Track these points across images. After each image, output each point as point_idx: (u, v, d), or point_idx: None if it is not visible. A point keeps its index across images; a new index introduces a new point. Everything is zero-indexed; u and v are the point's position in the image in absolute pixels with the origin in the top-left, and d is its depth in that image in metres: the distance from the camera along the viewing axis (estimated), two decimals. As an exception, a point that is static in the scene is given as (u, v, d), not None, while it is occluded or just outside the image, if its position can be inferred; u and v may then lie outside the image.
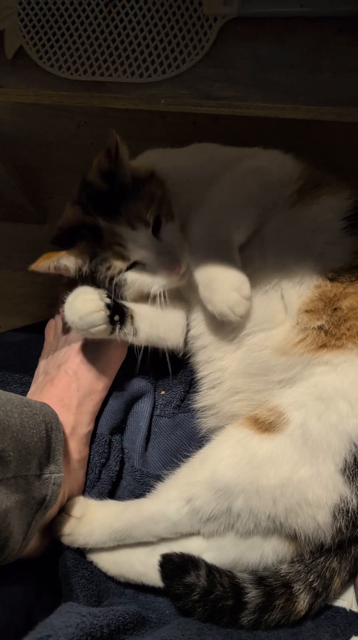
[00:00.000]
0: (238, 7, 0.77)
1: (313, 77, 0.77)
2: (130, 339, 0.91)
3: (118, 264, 0.87)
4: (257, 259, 0.87)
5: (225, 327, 0.88)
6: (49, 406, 0.84)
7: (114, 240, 0.86)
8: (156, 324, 0.94)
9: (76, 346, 0.95)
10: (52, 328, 1.05)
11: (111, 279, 0.88)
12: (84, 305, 0.86)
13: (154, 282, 0.87)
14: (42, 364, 1.01)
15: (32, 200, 1.29)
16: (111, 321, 0.88)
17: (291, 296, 0.85)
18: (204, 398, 0.94)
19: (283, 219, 0.87)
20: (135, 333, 0.91)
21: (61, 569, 0.86)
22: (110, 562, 0.87)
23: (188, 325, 0.96)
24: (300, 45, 0.77)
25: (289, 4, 0.76)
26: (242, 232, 0.85)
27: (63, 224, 0.92)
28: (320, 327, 0.82)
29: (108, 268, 0.87)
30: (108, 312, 0.87)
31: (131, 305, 0.92)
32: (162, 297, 0.88)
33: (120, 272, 0.87)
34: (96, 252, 0.87)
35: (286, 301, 0.85)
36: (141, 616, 0.80)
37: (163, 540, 0.85)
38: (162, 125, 1.31)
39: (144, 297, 0.91)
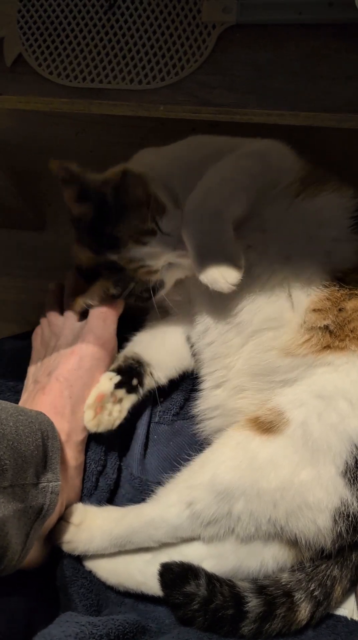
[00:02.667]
0: (236, 15, 0.78)
1: (312, 84, 0.77)
2: (155, 386, 0.97)
3: (151, 279, 0.89)
4: (259, 246, 0.87)
5: (231, 320, 0.88)
6: (44, 414, 0.83)
7: (135, 266, 0.87)
8: (170, 359, 0.97)
9: (65, 352, 0.94)
10: (39, 335, 1.04)
11: (148, 289, 0.90)
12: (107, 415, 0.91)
13: (187, 266, 0.88)
14: (32, 371, 1.00)
15: (31, 207, 1.29)
16: (132, 389, 0.92)
17: (299, 294, 0.84)
18: (208, 399, 0.94)
19: (285, 207, 0.87)
20: (158, 381, 0.96)
21: (59, 579, 0.86)
22: (109, 572, 0.87)
23: (194, 322, 0.96)
24: (299, 52, 0.77)
25: (287, 11, 0.77)
26: (236, 207, 0.84)
27: (80, 265, 0.94)
28: (326, 327, 0.82)
29: (144, 289, 0.90)
30: (124, 389, 0.92)
31: (143, 353, 0.96)
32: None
33: (156, 282, 0.90)
34: (123, 280, 0.90)
35: (294, 299, 0.85)
36: (141, 625, 0.79)
37: (163, 546, 0.85)
38: (161, 132, 1.32)
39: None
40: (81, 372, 0.93)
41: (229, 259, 0.79)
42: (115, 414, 0.91)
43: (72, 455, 0.90)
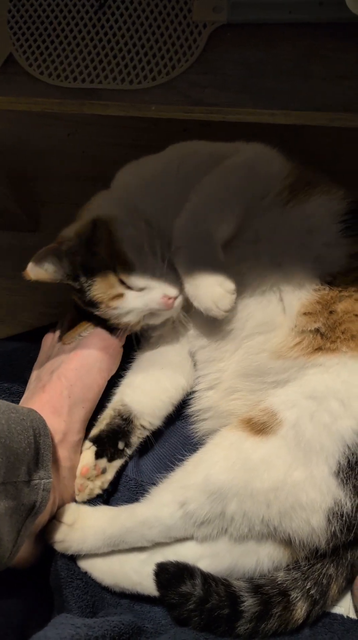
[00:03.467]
0: (227, 14, 0.78)
1: (303, 83, 0.77)
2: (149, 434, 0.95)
3: (135, 327, 0.91)
4: (250, 257, 0.87)
5: (223, 327, 0.88)
6: (36, 412, 0.83)
7: (115, 321, 0.90)
8: (165, 397, 0.96)
9: (70, 353, 0.95)
10: (50, 339, 1.04)
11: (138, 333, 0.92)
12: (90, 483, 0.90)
13: (165, 314, 0.89)
14: (36, 370, 1.01)
15: (24, 208, 1.29)
16: (116, 453, 0.91)
17: (290, 299, 0.84)
18: (201, 400, 0.94)
19: (276, 216, 0.87)
20: (151, 427, 0.95)
21: (54, 580, 0.85)
22: (104, 572, 0.87)
23: (187, 324, 0.96)
24: (290, 52, 0.77)
25: (278, 10, 0.77)
26: (225, 228, 0.85)
27: (76, 303, 0.95)
28: (317, 330, 0.82)
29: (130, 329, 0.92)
30: (105, 458, 0.90)
31: (133, 403, 0.94)
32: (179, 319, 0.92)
33: (142, 327, 0.91)
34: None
35: (286, 303, 0.85)
36: (137, 626, 0.79)
37: (157, 546, 0.85)
38: (153, 132, 1.32)
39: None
40: (82, 372, 0.93)
41: (220, 285, 0.80)
42: (96, 490, 0.90)
43: (67, 455, 0.90)
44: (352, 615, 0.84)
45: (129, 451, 0.93)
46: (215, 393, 0.91)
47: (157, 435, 0.98)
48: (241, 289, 0.85)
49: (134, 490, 0.94)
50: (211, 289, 0.80)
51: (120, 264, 0.86)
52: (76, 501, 0.91)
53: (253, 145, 0.93)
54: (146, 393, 0.95)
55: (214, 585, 0.79)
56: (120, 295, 0.86)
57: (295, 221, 0.86)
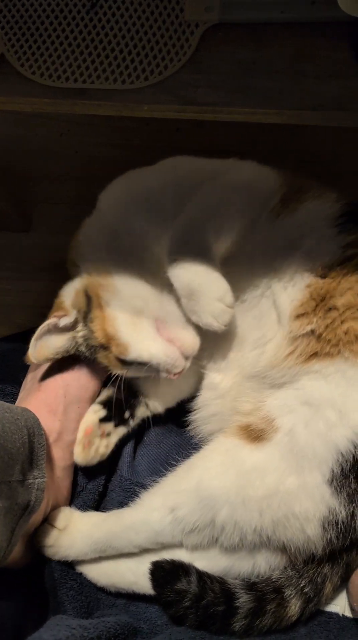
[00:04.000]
0: (219, 14, 0.78)
1: (296, 82, 0.77)
2: (150, 415, 0.94)
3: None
4: (245, 271, 0.85)
5: (224, 338, 0.87)
6: (30, 411, 0.83)
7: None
8: (169, 390, 0.95)
9: None
10: None
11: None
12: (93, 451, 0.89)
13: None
14: (32, 371, 1.01)
15: (17, 208, 1.29)
16: (121, 421, 0.91)
17: (283, 302, 0.82)
18: (208, 408, 0.92)
19: (269, 229, 0.85)
20: (154, 410, 0.94)
21: (48, 582, 0.85)
22: (99, 572, 0.86)
23: None
24: (282, 51, 0.78)
25: (270, 10, 0.77)
26: (222, 243, 0.83)
27: None
28: (312, 332, 0.80)
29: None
30: (112, 422, 0.90)
31: (140, 383, 0.93)
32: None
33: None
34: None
35: (279, 308, 0.83)
36: (133, 627, 0.78)
37: (147, 550, 0.84)
38: (146, 132, 1.32)
39: None
40: (79, 372, 0.93)
41: (220, 300, 0.78)
42: (102, 449, 0.89)
43: (62, 455, 0.89)
44: (348, 613, 0.84)
45: (132, 423, 0.92)
46: (223, 400, 0.90)
47: (153, 434, 0.98)
48: (238, 308, 0.84)
49: (128, 490, 0.94)
50: (211, 305, 0.78)
51: (114, 345, 0.83)
52: (70, 504, 0.90)
53: (250, 165, 0.91)
54: (153, 381, 0.93)
55: (209, 582, 0.79)
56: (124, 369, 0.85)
57: (287, 230, 0.84)
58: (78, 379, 0.93)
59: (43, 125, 1.36)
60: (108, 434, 0.90)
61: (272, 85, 0.77)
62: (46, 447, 0.82)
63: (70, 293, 0.88)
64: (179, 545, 0.82)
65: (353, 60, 0.77)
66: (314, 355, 0.80)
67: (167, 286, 0.82)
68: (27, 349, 1.06)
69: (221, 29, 0.79)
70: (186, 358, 0.82)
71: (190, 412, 0.94)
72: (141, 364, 0.83)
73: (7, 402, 0.98)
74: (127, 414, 0.91)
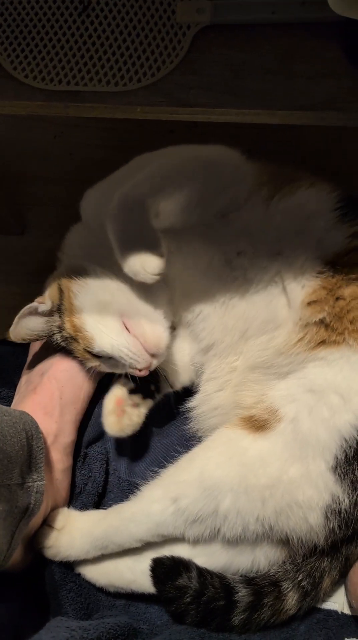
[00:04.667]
0: (211, 15, 0.78)
1: (287, 82, 0.78)
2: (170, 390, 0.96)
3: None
4: (249, 249, 0.85)
5: (232, 325, 0.87)
6: (28, 414, 0.83)
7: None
8: (182, 369, 0.96)
9: (59, 355, 0.95)
10: (38, 343, 1.04)
11: None
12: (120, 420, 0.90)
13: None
14: (26, 374, 1.00)
15: (11, 211, 1.29)
16: (148, 394, 0.92)
17: (294, 287, 0.82)
18: (211, 401, 0.92)
19: (264, 209, 0.85)
20: (173, 386, 0.95)
21: (48, 584, 0.85)
22: (98, 572, 0.86)
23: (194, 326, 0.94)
24: (273, 52, 0.78)
25: (261, 11, 0.78)
26: (165, 206, 0.81)
27: None
28: (321, 321, 0.80)
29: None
30: (140, 394, 0.91)
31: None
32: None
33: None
34: None
35: (289, 294, 0.83)
36: (132, 628, 0.79)
37: (148, 546, 0.84)
38: (140, 134, 1.32)
39: None
40: (73, 373, 0.93)
41: (148, 247, 0.75)
42: (135, 418, 0.90)
43: (60, 457, 0.90)
44: (347, 611, 0.85)
45: (157, 396, 0.93)
46: (224, 392, 0.91)
47: (151, 435, 0.98)
48: (244, 287, 0.84)
49: (127, 491, 0.94)
50: (138, 252, 0.75)
51: (81, 338, 0.86)
52: (69, 505, 0.91)
53: (215, 146, 0.90)
54: (167, 360, 0.93)
55: (209, 578, 0.79)
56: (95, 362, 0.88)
57: (287, 210, 0.85)
58: (73, 379, 0.93)
59: (37, 127, 1.36)
60: (137, 405, 0.91)
61: (264, 86, 0.78)
62: (44, 449, 0.82)
63: (50, 283, 0.92)
64: (180, 537, 0.81)
65: (343, 59, 0.77)
66: (322, 343, 0.80)
67: (136, 284, 0.83)
68: (22, 352, 1.06)
69: (212, 31, 0.79)
70: (153, 355, 0.83)
71: (191, 407, 0.95)
72: (109, 358, 0.85)
73: (2, 404, 0.99)
74: (153, 387, 0.92)
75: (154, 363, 0.84)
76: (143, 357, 0.82)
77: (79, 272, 0.88)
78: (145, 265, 0.75)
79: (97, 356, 0.86)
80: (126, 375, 0.89)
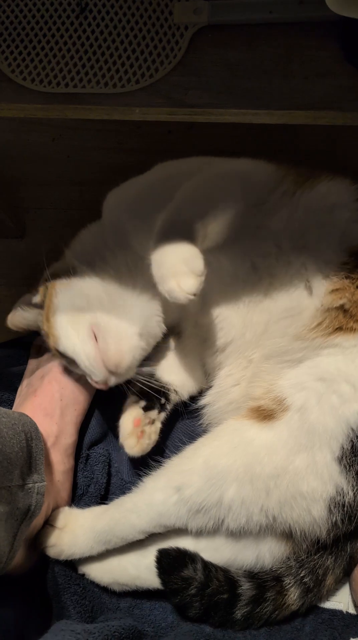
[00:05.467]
0: (208, 16, 0.78)
1: (285, 82, 0.78)
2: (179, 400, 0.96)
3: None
4: (274, 250, 0.85)
5: (252, 319, 0.86)
6: (27, 416, 0.83)
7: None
8: (188, 377, 0.96)
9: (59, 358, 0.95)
10: (37, 347, 1.04)
11: None
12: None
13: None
14: (27, 377, 1.00)
15: (10, 214, 1.28)
16: (161, 408, 0.92)
17: (318, 279, 0.82)
18: (226, 396, 0.91)
19: (288, 207, 0.85)
20: (181, 397, 0.96)
21: (51, 587, 0.85)
22: (102, 570, 0.86)
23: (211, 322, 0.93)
24: (271, 52, 0.78)
25: (258, 11, 0.78)
26: (211, 228, 0.80)
27: None
28: (342, 306, 0.80)
29: None
30: (155, 409, 0.91)
31: (163, 374, 0.95)
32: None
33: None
34: None
35: (313, 285, 0.82)
36: (137, 630, 0.78)
37: (152, 542, 0.83)
38: (138, 135, 1.32)
39: None
40: (74, 375, 0.93)
41: (185, 263, 0.71)
42: (153, 436, 0.90)
43: (60, 458, 0.89)
44: (352, 610, 0.85)
45: (168, 408, 0.94)
46: (240, 386, 0.90)
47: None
48: (269, 284, 0.84)
49: (129, 493, 0.94)
50: (174, 269, 0.71)
51: (51, 335, 0.87)
52: (70, 504, 0.90)
53: (243, 159, 0.91)
54: (174, 369, 0.96)
55: (214, 571, 0.79)
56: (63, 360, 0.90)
57: (310, 204, 0.84)
58: (73, 382, 0.93)
59: (34, 130, 1.36)
60: (153, 421, 0.91)
61: (262, 86, 0.78)
62: (44, 451, 0.82)
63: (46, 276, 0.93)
64: (184, 529, 0.81)
65: (341, 59, 0.77)
66: (339, 329, 0.79)
67: (120, 298, 0.85)
68: (22, 355, 1.06)
69: (210, 31, 0.79)
70: (111, 372, 0.83)
71: (205, 404, 0.94)
72: (73, 361, 0.85)
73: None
74: (163, 400, 0.92)
75: (113, 380, 0.83)
76: (100, 370, 0.82)
77: (68, 272, 0.89)
78: (182, 283, 0.70)
79: (64, 356, 0.88)
80: (139, 392, 0.90)
